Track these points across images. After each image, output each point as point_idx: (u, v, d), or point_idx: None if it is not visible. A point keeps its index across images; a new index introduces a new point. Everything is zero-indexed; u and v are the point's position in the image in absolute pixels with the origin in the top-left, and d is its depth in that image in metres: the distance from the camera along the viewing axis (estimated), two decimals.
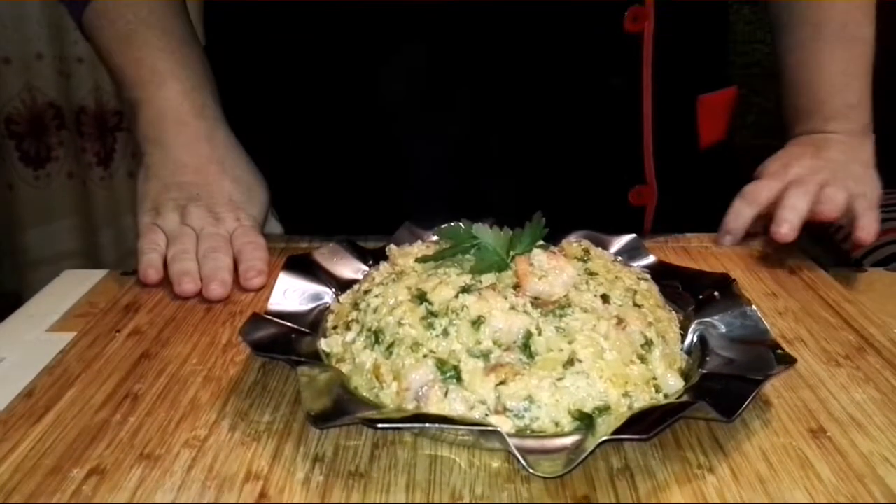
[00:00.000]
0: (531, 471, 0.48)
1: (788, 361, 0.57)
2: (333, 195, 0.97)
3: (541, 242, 0.66)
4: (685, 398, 0.54)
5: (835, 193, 0.83)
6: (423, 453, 0.53)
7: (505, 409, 0.53)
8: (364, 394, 0.57)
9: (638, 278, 0.67)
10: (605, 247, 0.75)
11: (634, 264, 0.74)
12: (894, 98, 2.82)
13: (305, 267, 0.71)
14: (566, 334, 0.57)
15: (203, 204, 0.84)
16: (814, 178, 0.85)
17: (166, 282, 0.78)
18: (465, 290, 0.59)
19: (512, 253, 0.64)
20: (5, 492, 0.49)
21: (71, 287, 0.82)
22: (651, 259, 0.77)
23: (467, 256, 0.65)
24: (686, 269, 0.75)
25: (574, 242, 0.73)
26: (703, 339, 0.62)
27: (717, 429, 0.55)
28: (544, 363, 0.55)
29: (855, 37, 0.95)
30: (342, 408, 0.53)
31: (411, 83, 0.88)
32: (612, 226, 0.80)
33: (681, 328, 0.64)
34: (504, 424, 0.52)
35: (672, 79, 0.90)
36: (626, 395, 0.54)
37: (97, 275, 0.85)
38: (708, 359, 0.59)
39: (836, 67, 0.94)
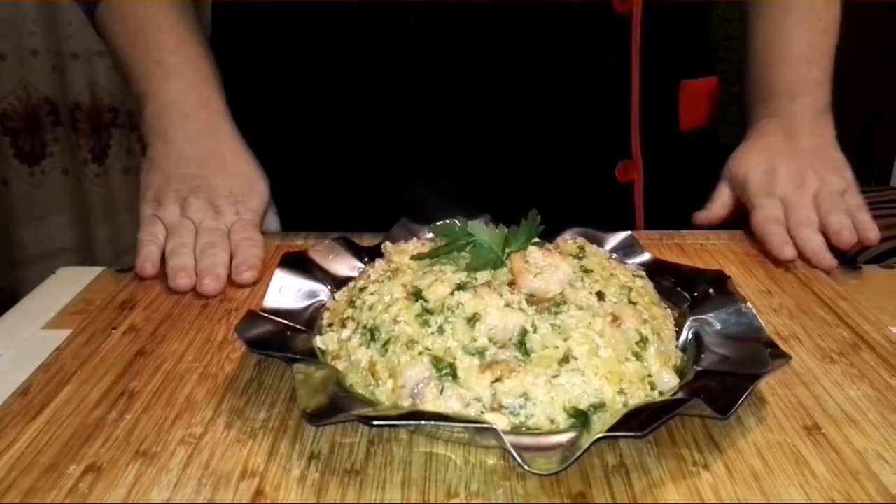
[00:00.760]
0: (526, 468, 0.48)
1: (783, 358, 0.58)
2: (329, 192, 0.97)
3: (536, 240, 0.66)
4: (680, 395, 0.54)
5: (840, 222, 0.85)
6: (418, 450, 0.53)
7: (500, 407, 0.53)
8: (360, 391, 0.57)
9: (633, 275, 0.67)
10: (600, 244, 0.76)
11: (629, 261, 0.75)
12: (887, 99, 2.82)
13: (301, 264, 0.71)
14: (561, 331, 0.57)
15: (204, 196, 0.84)
16: (809, 204, 0.88)
17: (162, 277, 0.78)
18: (461, 287, 0.59)
19: (507, 250, 0.64)
20: (2, 488, 0.49)
21: (67, 284, 0.82)
22: (646, 256, 0.77)
23: (463, 254, 0.65)
24: (681, 266, 0.75)
25: (569, 240, 0.73)
26: (698, 337, 0.62)
27: (712, 426, 0.55)
28: (540, 360, 0.55)
29: (821, 16, 0.98)
30: (338, 405, 0.53)
31: (405, 69, 0.90)
32: (603, 204, 0.81)
33: (676, 325, 0.64)
34: (499, 422, 0.52)
35: (658, 61, 0.94)
36: (621, 392, 0.55)
37: (93, 272, 0.85)
38: (703, 356, 0.59)
39: (804, 45, 0.97)
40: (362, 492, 0.49)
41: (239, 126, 0.92)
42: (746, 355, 0.58)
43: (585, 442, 0.49)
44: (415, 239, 0.75)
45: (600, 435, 0.49)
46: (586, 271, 0.64)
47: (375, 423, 0.53)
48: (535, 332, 0.57)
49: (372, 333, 0.59)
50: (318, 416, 0.52)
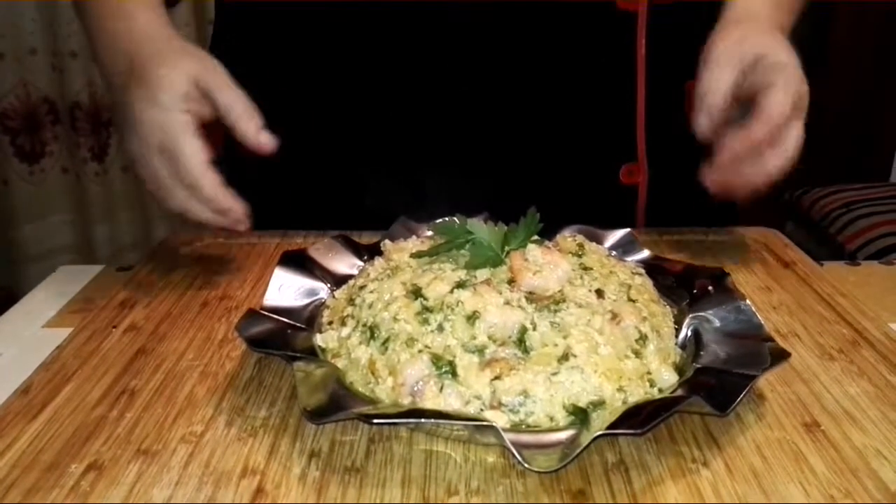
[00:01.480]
0: (526, 465, 0.48)
1: (782, 356, 0.58)
2: (329, 190, 0.97)
3: (535, 238, 0.66)
4: (679, 392, 0.54)
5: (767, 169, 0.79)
6: (418, 448, 0.53)
7: (500, 404, 0.53)
8: (360, 389, 0.57)
9: (632, 273, 0.68)
10: (599, 242, 0.76)
11: (629, 259, 0.75)
12: (887, 98, 2.82)
13: (301, 262, 0.71)
14: (561, 329, 0.57)
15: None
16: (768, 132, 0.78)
17: (160, 277, 0.78)
18: (460, 285, 0.59)
19: (506, 248, 0.64)
20: (3, 487, 0.49)
21: (67, 283, 0.82)
22: (645, 254, 0.77)
23: (462, 252, 0.65)
24: (680, 263, 0.75)
25: (568, 237, 0.73)
26: (697, 334, 0.62)
27: (712, 423, 0.55)
28: (539, 358, 0.55)
29: None
30: (338, 403, 0.53)
31: (408, 68, 0.89)
32: (606, 206, 0.80)
33: (675, 323, 0.64)
34: (499, 419, 0.52)
35: (664, 62, 0.92)
36: (620, 389, 0.55)
37: (93, 270, 0.85)
38: (702, 353, 0.59)
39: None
40: (363, 490, 0.49)
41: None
42: (746, 352, 0.58)
43: (585, 439, 0.49)
44: (414, 237, 0.75)
45: (600, 432, 0.49)
46: (585, 269, 0.65)
47: (375, 420, 0.53)
48: (534, 329, 0.57)
49: (372, 331, 0.59)
50: (318, 414, 0.53)
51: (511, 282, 0.61)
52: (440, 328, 0.57)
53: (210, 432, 0.55)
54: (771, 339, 0.60)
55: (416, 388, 0.54)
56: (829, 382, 0.61)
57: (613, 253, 0.74)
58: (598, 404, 0.54)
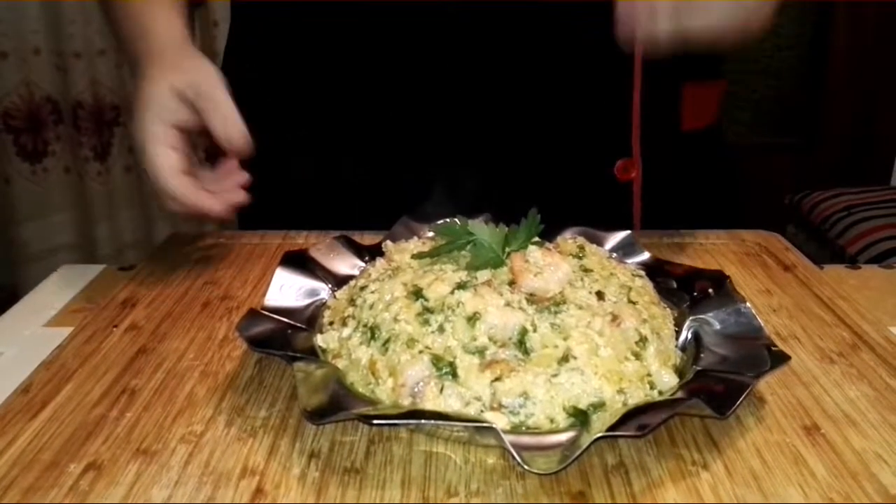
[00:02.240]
0: (526, 467, 0.48)
1: (782, 358, 0.58)
2: (330, 190, 0.97)
3: (536, 239, 0.66)
4: (679, 395, 0.54)
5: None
6: (418, 449, 0.53)
7: (500, 406, 0.53)
8: (360, 390, 0.57)
9: (633, 275, 0.68)
10: (600, 243, 0.76)
11: (629, 261, 0.75)
12: (887, 98, 2.82)
13: (302, 263, 0.72)
14: (561, 331, 0.57)
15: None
16: None
17: (162, 276, 0.78)
18: (461, 286, 0.59)
19: (507, 249, 0.64)
20: (3, 486, 0.49)
21: (68, 282, 0.82)
22: (646, 256, 0.77)
23: (463, 253, 0.66)
24: (681, 265, 0.75)
25: (569, 239, 0.73)
26: (697, 336, 0.62)
27: (712, 425, 0.55)
28: (539, 360, 0.55)
29: None
30: (338, 404, 0.53)
31: (406, 67, 0.90)
32: (601, 200, 0.80)
33: (675, 325, 0.64)
34: (499, 421, 0.52)
35: (660, 62, 0.92)
36: (620, 391, 0.55)
37: (94, 270, 0.85)
38: (702, 356, 0.59)
39: None
40: (362, 490, 0.49)
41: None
42: (746, 355, 0.58)
43: (585, 441, 0.49)
44: (415, 238, 0.75)
45: (600, 434, 0.49)
46: (586, 271, 0.65)
47: (375, 421, 0.53)
48: (534, 331, 0.57)
49: (372, 332, 0.59)
50: (318, 415, 0.53)
51: (512, 283, 0.61)
52: (441, 329, 0.57)
53: (210, 432, 0.55)
54: (771, 342, 0.60)
55: (416, 389, 0.54)
56: (828, 386, 0.61)
57: (614, 255, 0.74)
58: (599, 406, 0.54)
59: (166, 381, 0.61)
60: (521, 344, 0.56)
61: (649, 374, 0.57)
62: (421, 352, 0.56)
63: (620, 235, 0.79)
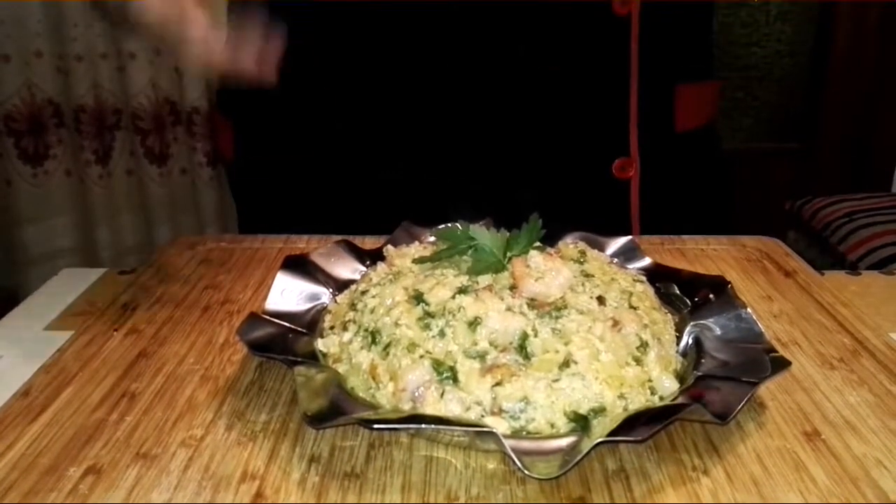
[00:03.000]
0: (526, 472, 0.48)
1: (783, 364, 0.58)
2: (331, 195, 0.97)
3: (537, 244, 0.66)
4: (680, 400, 0.54)
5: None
6: (418, 454, 0.53)
7: (501, 411, 0.53)
8: (360, 394, 0.57)
9: (634, 280, 0.68)
10: (601, 249, 0.76)
11: (630, 266, 0.75)
12: (888, 104, 2.83)
13: (303, 267, 0.72)
14: (562, 336, 0.57)
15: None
16: None
17: (162, 280, 0.78)
18: (462, 291, 0.59)
19: (509, 254, 0.64)
20: (2, 490, 0.49)
21: (69, 285, 0.82)
22: (647, 261, 0.77)
23: (464, 257, 0.66)
24: (681, 271, 0.75)
25: (570, 244, 0.73)
26: (698, 342, 0.62)
27: (712, 431, 0.55)
28: (540, 364, 0.55)
29: None
30: (338, 408, 0.53)
31: (405, 69, 0.90)
32: (600, 199, 0.80)
33: (676, 330, 0.64)
34: (500, 425, 0.52)
35: (656, 63, 0.94)
36: (621, 396, 0.55)
37: (95, 273, 0.85)
38: (703, 361, 0.59)
39: None
40: (362, 495, 0.49)
41: (243, 129, 0.92)
42: (746, 361, 0.58)
43: (585, 446, 0.49)
44: (416, 242, 0.75)
45: (600, 439, 0.49)
46: (587, 276, 0.65)
47: (376, 426, 0.53)
48: (535, 336, 0.57)
49: (373, 336, 0.59)
50: (318, 419, 0.52)
51: (513, 288, 0.61)
52: (441, 334, 0.57)
53: (210, 436, 0.55)
54: (771, 348, 0.60)
55: (416, 394, 0.54)
56: (829, 391, 0.60)
57: (615, 260, 0.74)
58: (599, 411, 0.53)
59: (166, 385, 0.61)
60: (522, 349, 0.56)
61: (650, 380, 0.57)
62: (422, 356, 0.56)
63: (621, 241, 0.79)
